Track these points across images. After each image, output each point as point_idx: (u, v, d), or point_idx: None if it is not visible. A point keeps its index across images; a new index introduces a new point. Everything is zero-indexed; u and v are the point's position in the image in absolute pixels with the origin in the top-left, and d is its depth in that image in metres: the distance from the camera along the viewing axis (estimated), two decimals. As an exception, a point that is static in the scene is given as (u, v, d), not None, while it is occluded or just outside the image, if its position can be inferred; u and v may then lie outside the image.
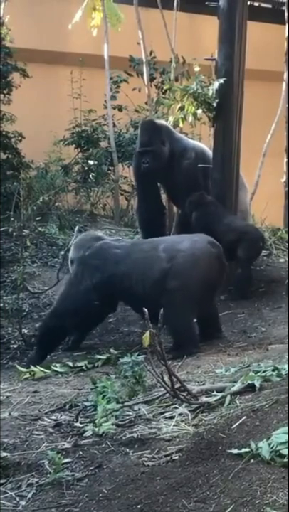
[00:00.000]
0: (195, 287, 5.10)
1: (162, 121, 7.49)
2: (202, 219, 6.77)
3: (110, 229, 8.62)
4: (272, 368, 3.86)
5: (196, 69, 7.03)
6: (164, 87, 8.35)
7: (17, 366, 4.93)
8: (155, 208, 7.39)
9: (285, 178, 9.11)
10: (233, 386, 3.73)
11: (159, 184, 7.52)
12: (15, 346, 5.77)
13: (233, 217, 6.89)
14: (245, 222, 7.32)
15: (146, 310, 3.46)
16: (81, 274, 5.43)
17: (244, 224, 7.09)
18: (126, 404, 3.81)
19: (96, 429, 3.57)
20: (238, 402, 3.53)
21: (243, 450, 2.94)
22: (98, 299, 5.28)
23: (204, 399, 3.68)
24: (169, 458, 3.15)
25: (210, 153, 7.16)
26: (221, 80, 6.63)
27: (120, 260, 5.32)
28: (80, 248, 5.58)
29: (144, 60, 9.08)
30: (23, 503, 3.01)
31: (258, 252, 6.96)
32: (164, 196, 7.90)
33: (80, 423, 3.72)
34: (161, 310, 3.55)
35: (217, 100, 6.65)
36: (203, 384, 4.04)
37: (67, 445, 3.46)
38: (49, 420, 3.84)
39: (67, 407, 4.01)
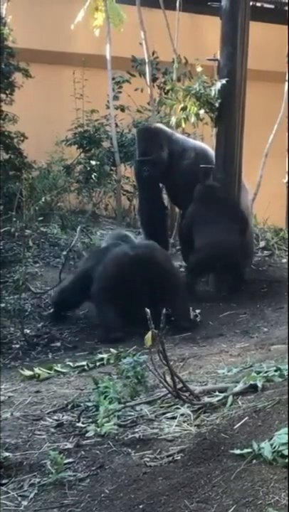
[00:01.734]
0: (105, 285, 5.83)
1: (158, 125, 7.49)
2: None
3: (112, 229, 8.62)
4: (275, 368, 3.86)
5: (199, 69, 7.03)
6: (167, 88, 8.36)
7: (20, 371, 4.91)
8: (157, 207, 7.41)
9: (287, 178, 9.11)
10: (235, 386, 3.73)
11: (160, 184, 7.52)
12: (17, 346, 5.76)
13: None
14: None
15: (148, 310, 3.46)
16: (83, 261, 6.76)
17: None
18: (128, 404, 3.80)
19: (98, 429, 3.56)
20: (240, 402, 3.53)
21: (245, 450, 2.93)
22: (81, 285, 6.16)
23: (206, 399, 3.68)
24: (171, 458, 3.15)
25: (211, 152, 7.17)
26: (224, 81, 6.63)
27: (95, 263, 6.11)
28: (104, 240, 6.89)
29: (147, 61, 9.09)
30: (25, 503, 3.01)
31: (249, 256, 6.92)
32: (165, 196, 7.90)
33: (82, 423, 3.72)
34: (163, 310, 3.55)
35: (219, 100, 6.65)
36: (206, 384, 4.04)
37: (69, 445, 3.46)
38: (51, 420, 3.84)
39: (69, 407, 4.00)
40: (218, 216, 6.62)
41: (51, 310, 6.40)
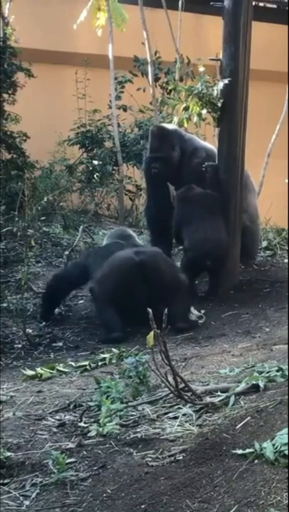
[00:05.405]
0: (108, 287, 5.82)
1: (172, 125, 7.50)
2: None
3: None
4: (277, 368, 3.86)
5: (201, 69, 7.02)
6: (169, 87, 8.38)
7: (22, 370, 4.91)
8: (164, 206, 7.39)
9: (289, 178, 9.11)
10: (238, 386, 3.72)
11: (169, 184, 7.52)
12: (19, 346, 5.76)
13: None
14: None
15: (150, 310, 3.46)
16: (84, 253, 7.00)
17: None
18: (130, 404, 3.81)
19: (100, 429, 3.56)
20: (242, 402, 3.53)
21: (247, 450, 2.94)
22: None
23: (208, 399, 3.68)
24: (172, 458, 3.15)
25: None
26: (226, 80, 6.61)
27: (96, 259, 6.15)
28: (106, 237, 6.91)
29: (149, 60, 9.10)
30: (27, 502, 3.01)
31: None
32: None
33: (84, 423, 3.72)
34: (165, 310, 3.55)
35: (222, 100, 6.64)
36: (208, 384, 4.04)
37: (71, 445, 3.46)
38: (53, 420, 3.84)
39: (71, 407, 4.00)
40: (202, 214, 6.61)
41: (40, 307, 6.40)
